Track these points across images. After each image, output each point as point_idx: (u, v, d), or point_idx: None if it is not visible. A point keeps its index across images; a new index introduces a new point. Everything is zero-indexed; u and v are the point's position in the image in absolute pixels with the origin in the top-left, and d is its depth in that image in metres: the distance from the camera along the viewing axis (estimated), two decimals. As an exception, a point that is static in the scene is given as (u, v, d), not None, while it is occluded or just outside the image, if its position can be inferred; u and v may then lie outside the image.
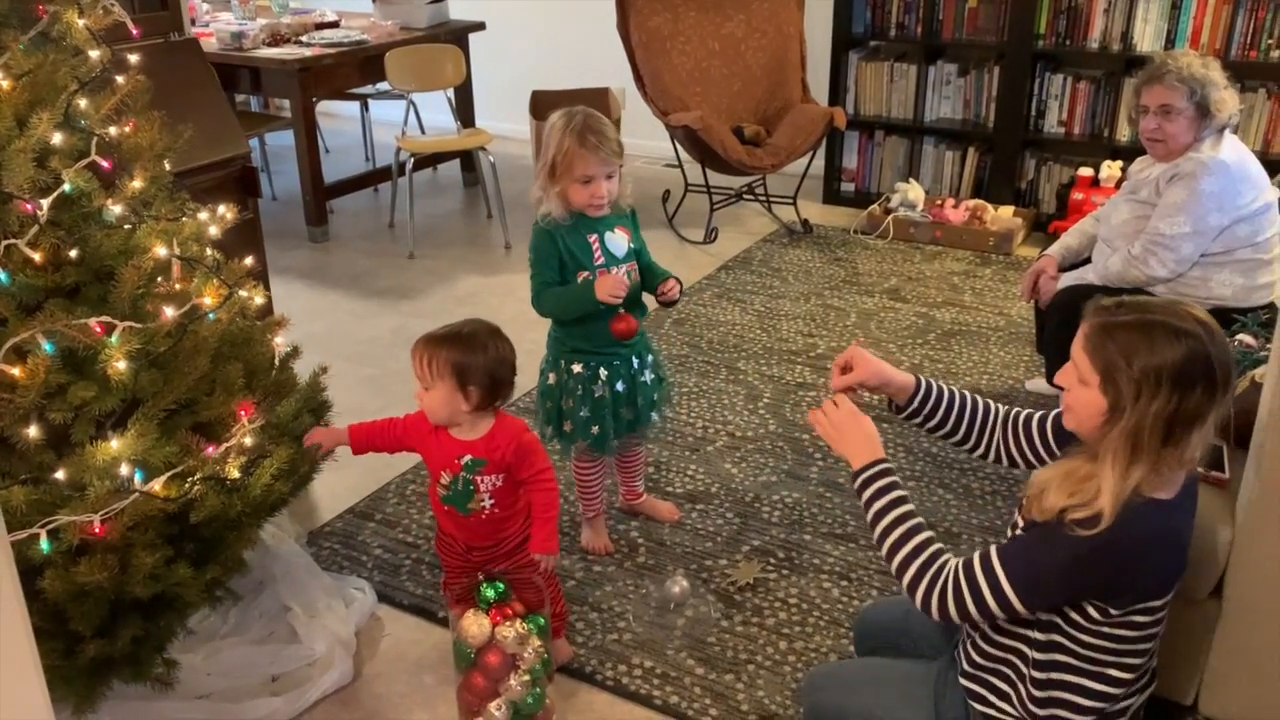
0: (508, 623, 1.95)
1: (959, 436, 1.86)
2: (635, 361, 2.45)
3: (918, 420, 1.87)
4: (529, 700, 1.99)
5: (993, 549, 1.54)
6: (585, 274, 2.35)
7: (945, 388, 1.87)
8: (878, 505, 1.64)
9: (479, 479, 2.04)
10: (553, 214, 2.33)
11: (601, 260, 2.36)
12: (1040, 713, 1.61)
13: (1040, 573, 1.51)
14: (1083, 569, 1.49)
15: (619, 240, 2.38)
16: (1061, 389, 1.60)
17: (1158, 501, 1.48)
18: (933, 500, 2.81)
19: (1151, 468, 1.47)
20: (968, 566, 1.55)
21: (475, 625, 1.95)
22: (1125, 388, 1.45)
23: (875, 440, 1.70)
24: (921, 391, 1.84)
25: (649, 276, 2.45)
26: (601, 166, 2.27)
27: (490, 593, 2.02)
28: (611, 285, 2.28)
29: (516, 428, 2.06)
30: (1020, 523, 1.64)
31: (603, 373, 2.41)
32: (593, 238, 2.35)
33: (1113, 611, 1.52)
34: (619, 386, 2.42)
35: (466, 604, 2.00)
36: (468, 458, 2.03)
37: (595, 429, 2.43)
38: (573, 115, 2.29)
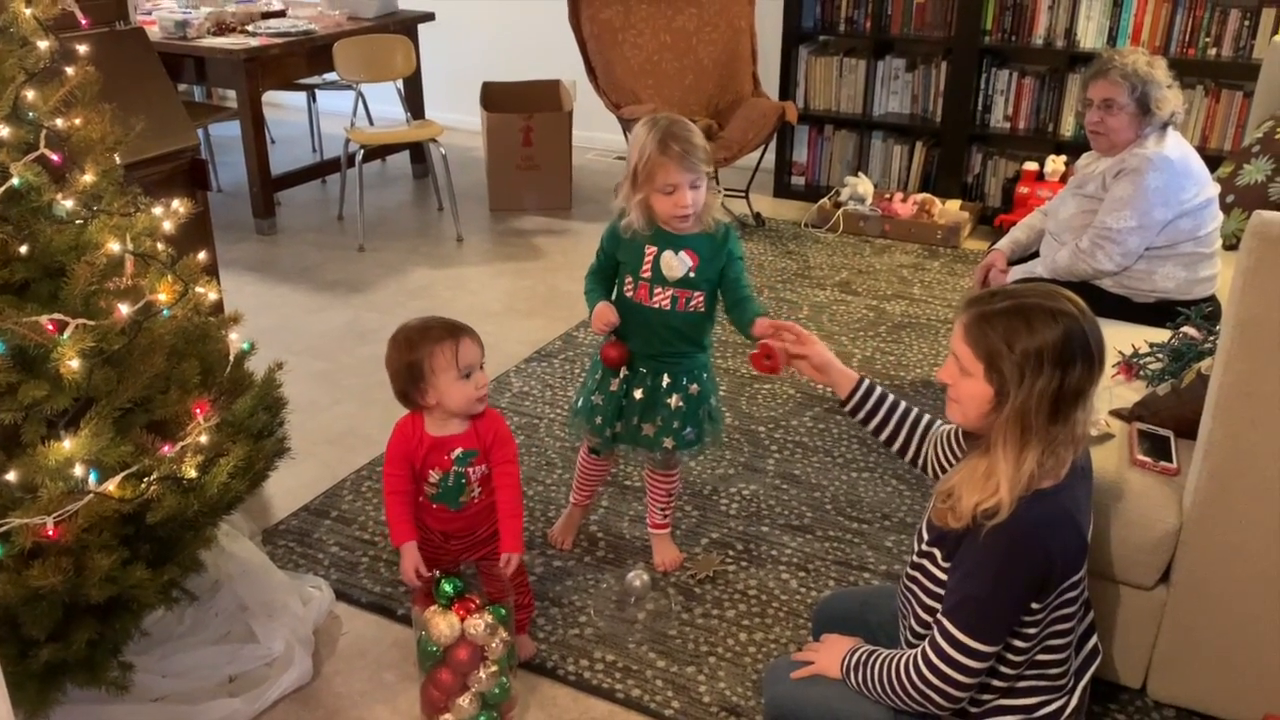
0: (475, 615, 1.96)
1: (898, 443, 1.94)
2: (665, 379, 2.31)
3: (859, 418, 1.95)
4: (496, 691, 2.00)
5: (942, 624, 1.58)
6: (630, 280, 2.27)
7: (888, 394, 1.94)
8: (862, 677, 1.69)
9: (470, 470, 2.04)
10: (634, 225, 2.22)
11: (649, 274, 2.24)
12: (984, 697, 1.66)
13: (985, 609, 1.55)
14: (1008, 578, 1.54)
15: (677, 262, 2.21)
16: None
17: (1043, 490, 1.55)
18: (886, 491, 2.85)
19: (1045, 449, 1.53)
20: (936, 651, 1.58)
21: (444, 623, 1.94)
22: (1009, 372, 1.51)
23: (843, 643, 1.78)
24: (862, 389, 1.93)
25: (739, 311, 2.25)
26: (685, 174, 2.13)
27: (449, 588, 2.01)
28: (601, 314, 2.24)
29: (494, 413, 2.10)
30: (927, 536, 1.68)
31: (623, 371, 2.33)
32: (650, 249, 2.22)
33: (1035, 606, 1.56)
34: (636, 394, 2.32)
35: (432, 599, 1.99)
36: (459, 451, 2.03)
37: (599, 419, 2.37)
38: (656, 121, 2.16)
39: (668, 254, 2.22)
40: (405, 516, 2.06)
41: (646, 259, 2.23)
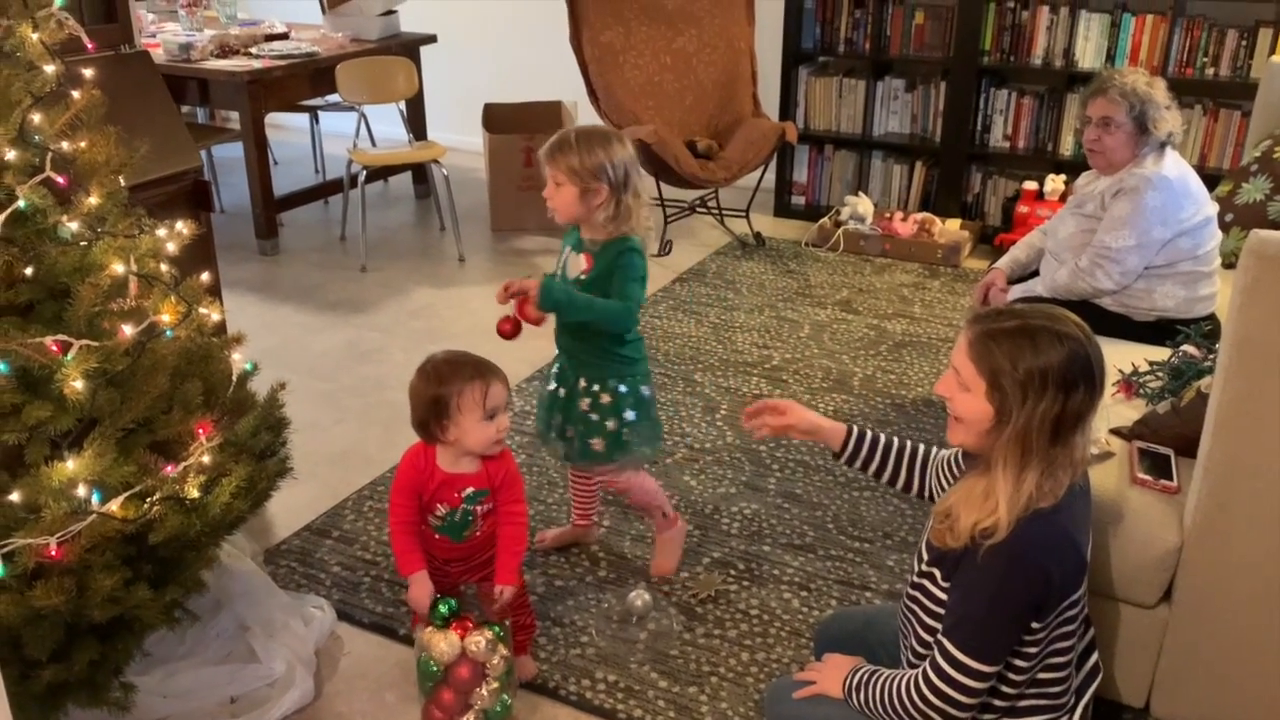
0: (475, 632, 1.97)
1: (900, 482, 1.94)
2: (582, 381, 2.37)
3: (856, 465, 1.95)
4: (498, 708, 2.01)
5: (942, 644, 1.58)
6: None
7: (879, 435, 1.94)
8: (864, 698, 1.68)
9: (478, 508, 2.05)
10: None
11: (559, 272, 2.36)
12: (986, 717, 1.65)
13: (984, 629, 1.55)
14: (1006, 598, 1.54)
15: (576, 264, 2.33)
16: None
17: (1041, 510, 1.54)
18: (888, 510, 2.85)
19: (1044, 470, 1.53)
20: (937, 672, 1.58)
21: (444, 642, 1.95)
22: (1012, 391, 1.51)
23: (844, 662, 1.77)
24: (853, 439, 1.93)
25: None
26: (545, 166, 2.27)
27: (444, 609, 2.02)
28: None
29: (506, 451, 2.08)
30: (926, 556, 1.68)
31: (555, 370, 2.43)
32: (566, 249, 2.36)
33: (1035, 626, 1.56)
34: (560, 391, 2.40)
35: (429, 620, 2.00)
36: (469, 490, 2.04)
37: (542, 418, 2.47)
38: None
39: (572, 255, 2.34)
40: (413, 546, 2.05)
41: (562, 257, 2.36)
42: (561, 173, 2.24)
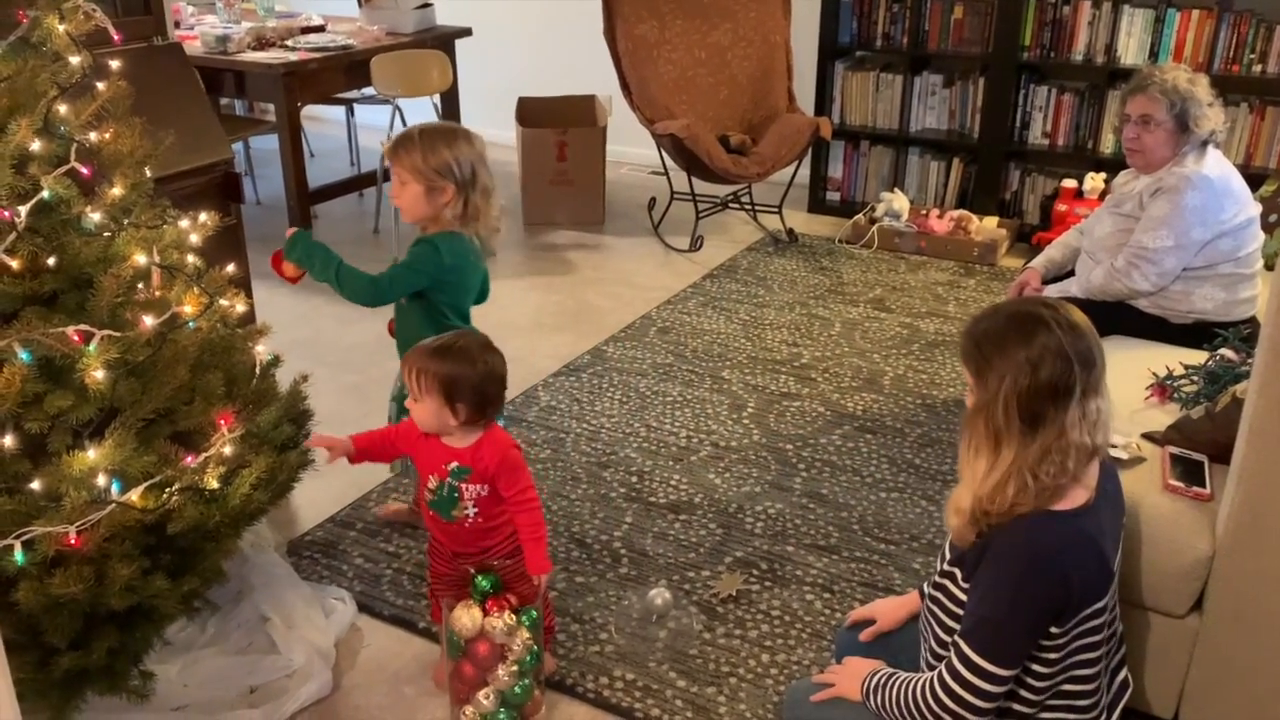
0: (497, 613, 1.98)
1: None
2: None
3: None
4: (516, 691, 2.01)
5: (958, 645, 1.56)
6: None
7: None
8: (881, 700, 1.66)
9: (464, 486, 2.03)
10: None
11: None
12: None
13: (1000, 631, 1.53)
14: (1023, 600, 1.52)
15: None
16: None
17: (1063, 512, 1.53)
18: (915, 512, 2.81)
19: (1040, 457, 1.50)
20: (952, 673, 1.56)
21: (466, 616, 1.98)
22: (986, 378, 1.54)
23: (864, 665, 1.75)
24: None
25: None
26: (389, 163, 2.34)
27: (485, 583, 2.05)
28: None
29: (504, 443, 2.05)
30: (949, 555, 1.66)
31: None
32: None
33: (1054, 631, 1.54)
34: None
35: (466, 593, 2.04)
36: (454, 464, 2.03)
37: None
38: None
39: None
40: (368, 437, 2.13)
41: None
42: (405, 170, 2.26)
